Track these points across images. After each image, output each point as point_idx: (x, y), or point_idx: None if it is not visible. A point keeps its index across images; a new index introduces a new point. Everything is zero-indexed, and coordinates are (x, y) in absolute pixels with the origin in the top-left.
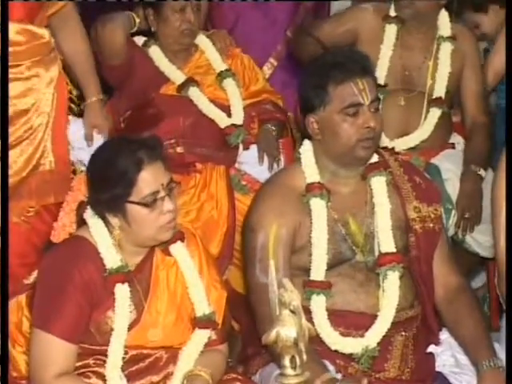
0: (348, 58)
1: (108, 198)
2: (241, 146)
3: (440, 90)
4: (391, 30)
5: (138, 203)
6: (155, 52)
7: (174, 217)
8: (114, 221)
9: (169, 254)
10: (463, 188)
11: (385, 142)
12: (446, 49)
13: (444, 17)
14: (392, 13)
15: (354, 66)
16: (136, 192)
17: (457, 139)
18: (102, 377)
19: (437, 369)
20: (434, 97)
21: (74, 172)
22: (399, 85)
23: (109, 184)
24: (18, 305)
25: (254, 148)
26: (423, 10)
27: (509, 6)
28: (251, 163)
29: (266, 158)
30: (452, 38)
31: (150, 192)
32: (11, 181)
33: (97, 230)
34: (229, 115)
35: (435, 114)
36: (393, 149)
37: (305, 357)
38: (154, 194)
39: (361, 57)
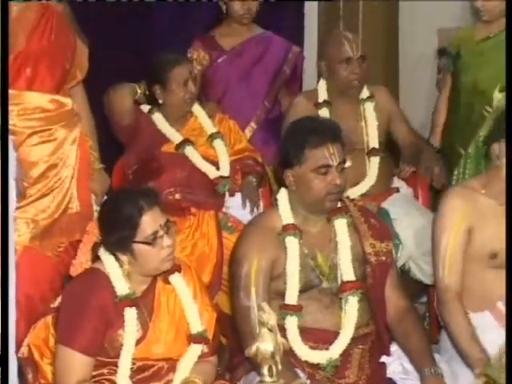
0: (323, 126)
1: (117, 239)
2: (227, 194)
3: (373, 142)
4: (324, 113)
5: (142, 242)
6: (158, 118)
7: (173, 250)
8: (123, 258)
9: (168, 282)
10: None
11: None
12: (369, 107)
13: (367, 110)
14: (320, 99)
15: (327, 133)
16: (140, 233)
17: (400, 183)
18: (114, 383)
19: (388, 375)
20: (370, 148)
21: None
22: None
23: (117, 228)
24: (45, 324)
25: (238, 195)
26: (351, 86)
27: (509, 5)
28: (236, 207)
29: (248, 204)
30: (370, 97)
31: (152, 232)
32: (45, 223)
33: (109, 264)
34: (217, 169)
35: (375, 161)
36: (348, 197)
37: (280, 366)
38: (154, 234)
39: (333, 125)
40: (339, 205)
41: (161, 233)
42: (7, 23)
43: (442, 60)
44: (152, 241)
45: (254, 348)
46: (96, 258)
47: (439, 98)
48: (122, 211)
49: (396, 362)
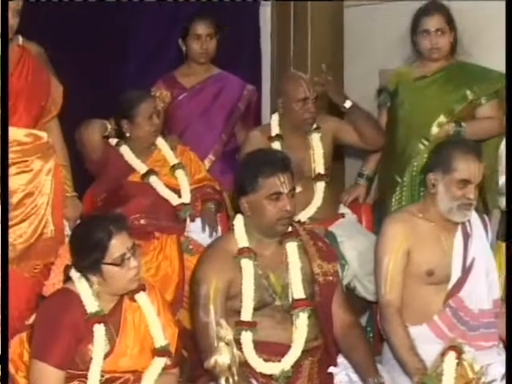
0: (274, 157)
1: (88, 261)
2: (188, 219)
3: (319, 168)
4: (276, 146)
5: (111, 264)
6: (125, 150)
7: (139, 271)
8: (93, 278)
9: (134, 300)
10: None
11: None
12: (316, 137)
13: (314, 140)
14: (273, 133)
15: (278, 163)
16: (109, 255)
17: (345, 210)
18: None
19: None
20: (316, 174)
21: None
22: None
23: (88, 251)
24: (20, 340)
25: (198, 220)
26: (305, 123)
27: (509, 5)
28: (196, 232)
29: (207, 228)
30: (317, 128)
31: (119, 254)
32: (21, 247)
33: (80, 285)
34: (179, 196)
35: (321, 185)
36: (299, 221)
37: (236, 378)
38: (122, 256)
39: (283, 156)
40: (290, 229)
41: (128, 255)
42: (7, 23)
43: (381, 97)
44: (120, 262)
45: (212, 361)
46: (67, 278)
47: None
48: (92, 235)
49: (342, 373)
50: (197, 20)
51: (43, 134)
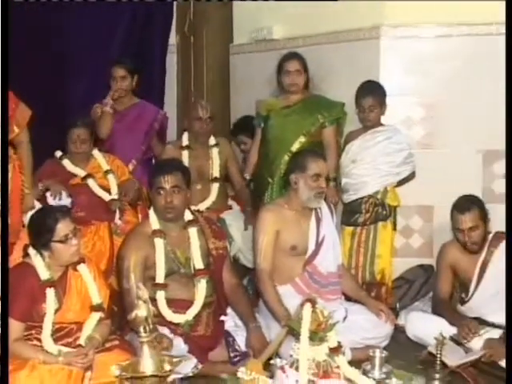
0: (165, 164)
1: (41, 241)
2: (118, 211)
3: (216, 173)
4: (185, 156)
5: (57, 241)
6: (67, 162)
7: (79, 248)
8: (45, 253)
9: (76, 270)
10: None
11: (194, 206)
12: (215, 151)
13: (213, 153)
14: (183, 144)
15: (167, 167)
16: (56, 235)
17: (232, 203)
18: (40, 340)
19: (225, 329)
20: (213, 177)
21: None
22: (196, 176)
23: (41, 234)
24: None
25: None
26: (202, 135)
27: (509, 5)
28: None
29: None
30: (216, 144)
31: (64, 234)
32: None
33: (35, 259)
34: (110, 194)
35: (215, 186)
36: (198, 210)
37: (151, 326)
38: (66, 236)
39: (172, 163)
40: (191, 217)
41: (70, 235)
42: (7, 23)
43: (256, 120)
44: (64, 240)
45: (133, 314)
46: (26, 255)
47: (252, 145)
48: (44, 221)
49: (230, 320)
50: (114, 65)
51: None
